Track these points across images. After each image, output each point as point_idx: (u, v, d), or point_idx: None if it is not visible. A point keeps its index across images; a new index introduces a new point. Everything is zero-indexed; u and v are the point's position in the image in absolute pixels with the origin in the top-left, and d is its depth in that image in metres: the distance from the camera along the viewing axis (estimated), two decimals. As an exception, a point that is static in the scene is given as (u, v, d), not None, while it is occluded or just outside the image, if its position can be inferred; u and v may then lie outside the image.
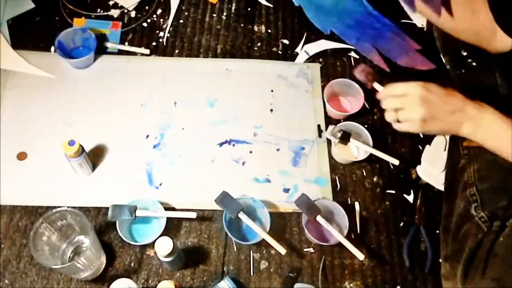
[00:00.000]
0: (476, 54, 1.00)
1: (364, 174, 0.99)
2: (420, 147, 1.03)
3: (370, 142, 0.96)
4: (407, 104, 0.77)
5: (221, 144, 1.00)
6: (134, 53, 1.10)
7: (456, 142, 0.94)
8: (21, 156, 0.94)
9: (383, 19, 1.22)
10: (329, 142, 1.00)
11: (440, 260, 0.88)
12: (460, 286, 0.79)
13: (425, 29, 1.22)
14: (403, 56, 1.15)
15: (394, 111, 0.79)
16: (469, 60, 1.06)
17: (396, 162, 0.93)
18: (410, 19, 1.24)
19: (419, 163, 1.00)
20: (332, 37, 1.18)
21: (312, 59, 1.14)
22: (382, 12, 1.23)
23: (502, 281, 0.73)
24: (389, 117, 0.81)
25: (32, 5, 1.13)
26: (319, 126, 1.04)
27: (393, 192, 0.98)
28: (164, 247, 0.76)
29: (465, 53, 1.04)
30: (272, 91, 1.08)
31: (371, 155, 0.94)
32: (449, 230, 0.86)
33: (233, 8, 1.21)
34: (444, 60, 1.06)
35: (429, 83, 0.77)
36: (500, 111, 0.86)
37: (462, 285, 0.78)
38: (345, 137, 0.95)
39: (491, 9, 0.79)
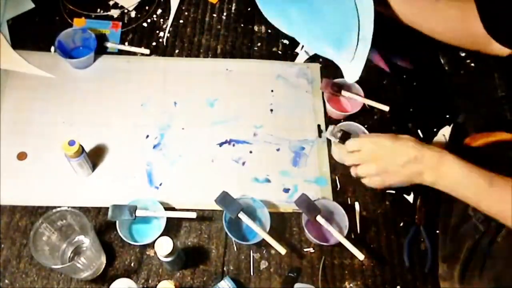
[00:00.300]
0: (475, 56, 1.00)
1: (364, 174, 0.99)
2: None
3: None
4: (362, 160, 0.78)
5: (221, 144, 1.00)
6: (134, 53, 1.10)
7: (456, 142, 0.94)
8: (21, 156, 0.94)
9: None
10: (329, 142, 1.00)
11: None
12: (457, 287, 0.79)
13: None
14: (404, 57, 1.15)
15: (355, 166, 0.80)
16: (468, 61, 1.06)
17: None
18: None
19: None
20: (332, 37, 1.18)
21: (312, 59, 1.14)
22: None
23: (500, 281, 0.73)
24: (352, 172, 0.82)
25: (32, 5, 1.13)
26: (319, 126, 1.04)
27: (393, 192, 0.98)
28: (164, 247, 0.76)
29: (463, 54, 1.04)
30: (272, 91, 1.08)
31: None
32: (447, 231, 0.86)
33: (233, 8, 1.21)
34: (442, 61, 1.06)
35: (381, 137, 0.77)
36: (496, 113, 0.86)
37: (459, 285, 0.78)
38: (345, 137, 0.95)
39: (481, 19, 0.79)
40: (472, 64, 1.07)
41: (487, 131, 0.88)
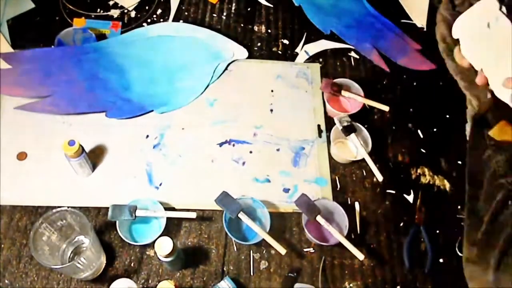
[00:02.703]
0: None
1: (364, 174, 0.99)
2: (421, 149, 1.04)
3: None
4: None
5: (221, 144, 1.00)
6: (134, 53, 1.10)
7: (480, 131, 0.93)
8: (21, 156, 0.94)
9: (383, 19, 1.22)
10: (328, 142, 1.00)
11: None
12: (491, 271, 0.79)
13: (425, 29, 1.22)
14: (403, 56, 1.15)
15: None
16: None
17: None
18: (410, 19, 1.24)
19: (420, 163, 1.01)
20: (332, 37, 1.18)
21: (312, 59, 1.14)
22: (382, 12, 1.23)
23: None
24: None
25: (32, 5, 1.13)
26: (319, 126, 1.04)
27: (393, 192, 0.98)
28: (164, 247, 0.76)
29: None
30: (272, 91, 1.08)
31: (370, 155, 0.94)
32: (475, 214, 0.86)
33: (233, 8, 1.21)
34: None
35: None
36: None
37: (494, 271, 0.79)
38: (348, 130, 0.95)
39: None
40: None
41: None
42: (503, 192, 0.83)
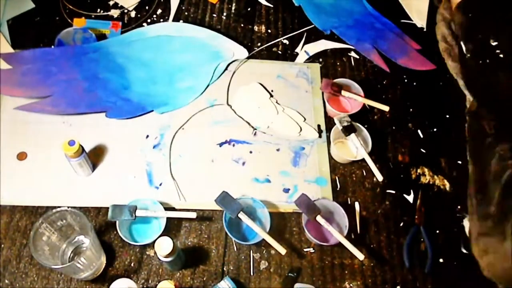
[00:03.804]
0: (508, 47, 0.96)
1: (364, 174, 0.99)
2: (421, 149, 1.04)
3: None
4: None
5: (221, 144, 1.00)
6: (134, 53, 1.10)
7: (477, 118, 0.94)
8: (21, 156, 0.94)
9: (383, 19, 1.22)
10: (328, 142, 1.00)
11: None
12: (509, 242, 0.79)
13: (425, 29, 1.22)
14: (403, 56, 1.15)
15: None
16: (497, 51, 0.99)
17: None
18: (410, 19, 1.24)
19: (420, 163, 1.01)
20: (332, 37, 1.18)
21: (312, 59, 1.14)
22: (382, 12, 1.23)
23: None
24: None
25: (32, 5, 1.13)
26: (319, 126, 1.04)
27: (393, 192, 0.98)
28: (164, 247, 0.76)
29: (494, 43, 0.99)
30: (272, 91, 1.08)
31: (370, 155, 0.94)
32: (483, 191, 0.86)
33: (233, 8, 1.21)
34: (464, 48, 0.97)
35: None
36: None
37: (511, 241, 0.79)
38: (348, 130, 0.95)
39: None
40: (501, 55, 1.00)
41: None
42: (510, 171, 0.83)
